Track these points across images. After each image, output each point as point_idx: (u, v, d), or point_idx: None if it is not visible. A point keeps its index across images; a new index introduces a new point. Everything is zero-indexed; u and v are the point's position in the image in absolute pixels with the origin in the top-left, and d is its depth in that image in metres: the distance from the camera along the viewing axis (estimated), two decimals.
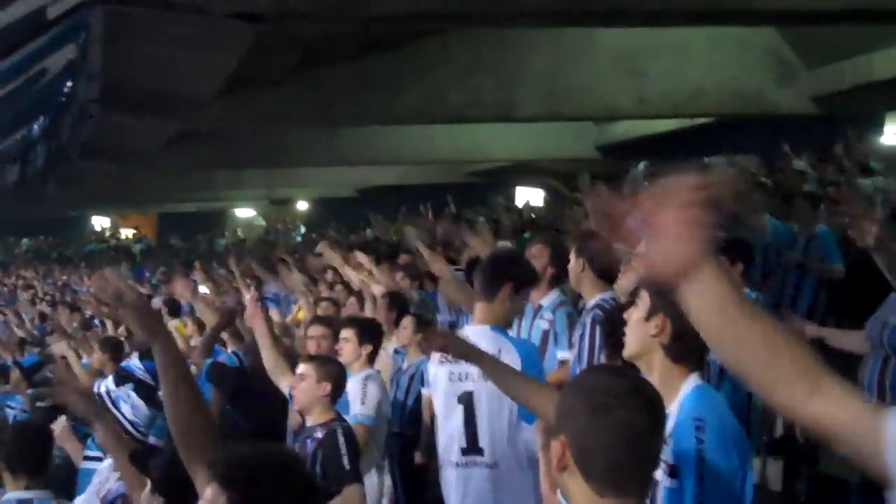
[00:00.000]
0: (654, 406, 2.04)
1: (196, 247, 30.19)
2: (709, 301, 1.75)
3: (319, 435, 4.39)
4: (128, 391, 4.21)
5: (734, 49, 12.50)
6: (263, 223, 34.25)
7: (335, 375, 4.59)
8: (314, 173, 23.67)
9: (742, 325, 1.76)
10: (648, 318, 2.78)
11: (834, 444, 1.77)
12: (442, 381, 4.15)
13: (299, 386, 4.55)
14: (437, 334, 3.71)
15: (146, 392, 4.25)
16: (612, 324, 3.52)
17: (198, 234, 32.22)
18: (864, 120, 13.88)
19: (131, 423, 4.14)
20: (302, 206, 33.13)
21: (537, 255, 5.28)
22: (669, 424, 2.59)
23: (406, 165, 21.46)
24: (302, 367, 4.65)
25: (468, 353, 3.57)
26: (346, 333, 5.56)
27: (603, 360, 4.04)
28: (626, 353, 2.87)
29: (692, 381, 2.72)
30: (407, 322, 6.54)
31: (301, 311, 8.69)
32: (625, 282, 4.70)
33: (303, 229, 29.50)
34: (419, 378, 6.29)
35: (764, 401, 1.83)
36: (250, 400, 6.37)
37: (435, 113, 13.28)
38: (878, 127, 14.34)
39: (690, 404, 2.64)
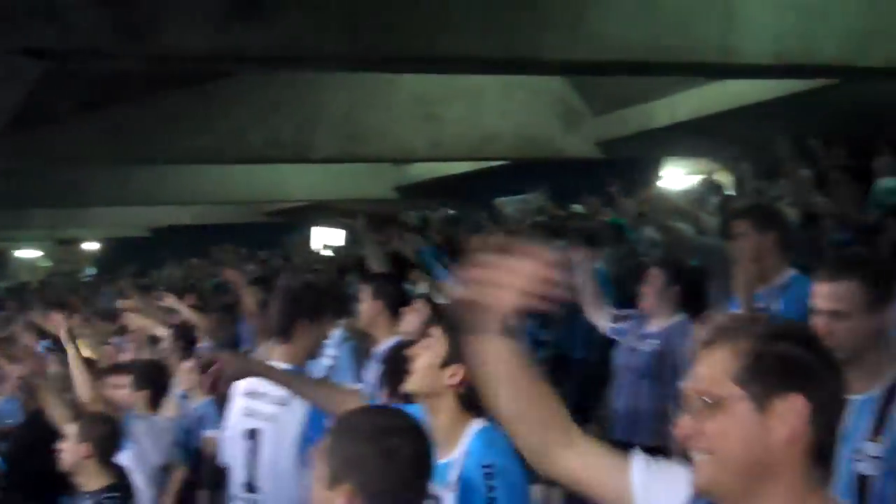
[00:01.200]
0: (426, 434, 2.19)
1: None
2: (500, 349, 1.88)
3: None
4: None
5: (525, 96, 13.05)
6: (49, 264, 32.67)
7: (98, 435, 4.31)
8: (105, 212, 22.77)
9: (519, 377, 1.90)
10: (445, 364, 2.79)
11: (587, 494, 1.93)
12: (235, 415, 4.10)
13: (63, 448, 4.29)
14: (218, 363, 3.56)
15: None
16: (396, 362, 3.55)
17: None
18: (645, 164, 14.70)
19: None
20: (92, 245, 31.81)
21: None
22: (456, 471, 2.65)
23: (203, 205, 21.04)
24: (67, 427, 4.39)
25: (254, 369, 3.50)
26: (118, 380, 5.43)
27: (384, 399, 4.08)
28: (411, 389, 2.86)
29: (476, 424, 2.74)
30: (190, 364, 6.40)
31: None
32: (409, 322, 4.81)
33: (92, 270, 28.37)
34: (201, 421, 6.21)
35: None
36: (27, 454, 6.07)
37: (231, 152, 13.09)
38: (656, 171, 15.23)
39: (478, 450, 2.66)
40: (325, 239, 21.04)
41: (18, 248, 33.36)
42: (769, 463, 1.65)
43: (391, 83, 12.49)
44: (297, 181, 17.89)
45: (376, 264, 7.01)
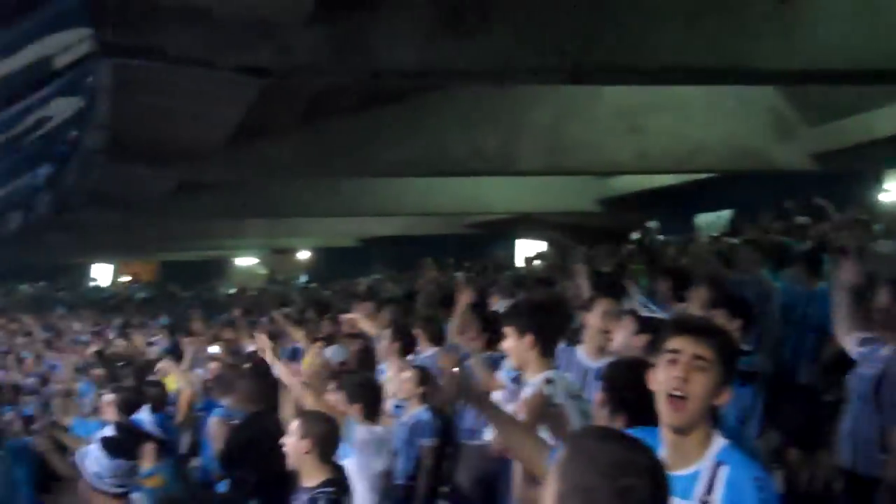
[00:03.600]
0: (665, 474, 2.04)
1: (198, 295, 30.10)
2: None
3: (304, 499, 4.31)
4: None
5: (733, 106, 12.64)
6: (264, 272, 34.27)
7: (317, 433, 4.40)
8: (316, 223, 23.70)
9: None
10: (719, 389, 2.71)
11: None
12: None
13: (287, 442, 4.43)
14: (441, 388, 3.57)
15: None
16: (632, 382, 3.46)
17: (197, 282, 32.12)
18: (865, 177, 13.96)
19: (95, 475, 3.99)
20: (304, 254, 33.15)
21: None
22: (707, 482, 2.63)
23: (408, 216, 21.51)
24: (290, 424, 4.56)
25: (471, 400, 3.49)
26: (334, 396, 5.59)
27: (606, 419, 3.99)
28: (686, 421, 2.71)
29: (720, 437, 2.69)
30: (409, 375, 6.46)
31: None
32: (619, 338, 4.74)
33: (304, 278, 29.52)
34: (418, 430, 6.27)
35: None
36: (252, 453, 6.30)
37: (436, 165, 13.36)
38: (877, 184, 14.41)
39: (739, 462, 2.64)
40: (529, 252, 21.09)
41: (237, 256, 35.22)
42: None
43: (594, 95, 12.40)
44: (499, 193, 18.01)
45: (586, 287, 6.72)
